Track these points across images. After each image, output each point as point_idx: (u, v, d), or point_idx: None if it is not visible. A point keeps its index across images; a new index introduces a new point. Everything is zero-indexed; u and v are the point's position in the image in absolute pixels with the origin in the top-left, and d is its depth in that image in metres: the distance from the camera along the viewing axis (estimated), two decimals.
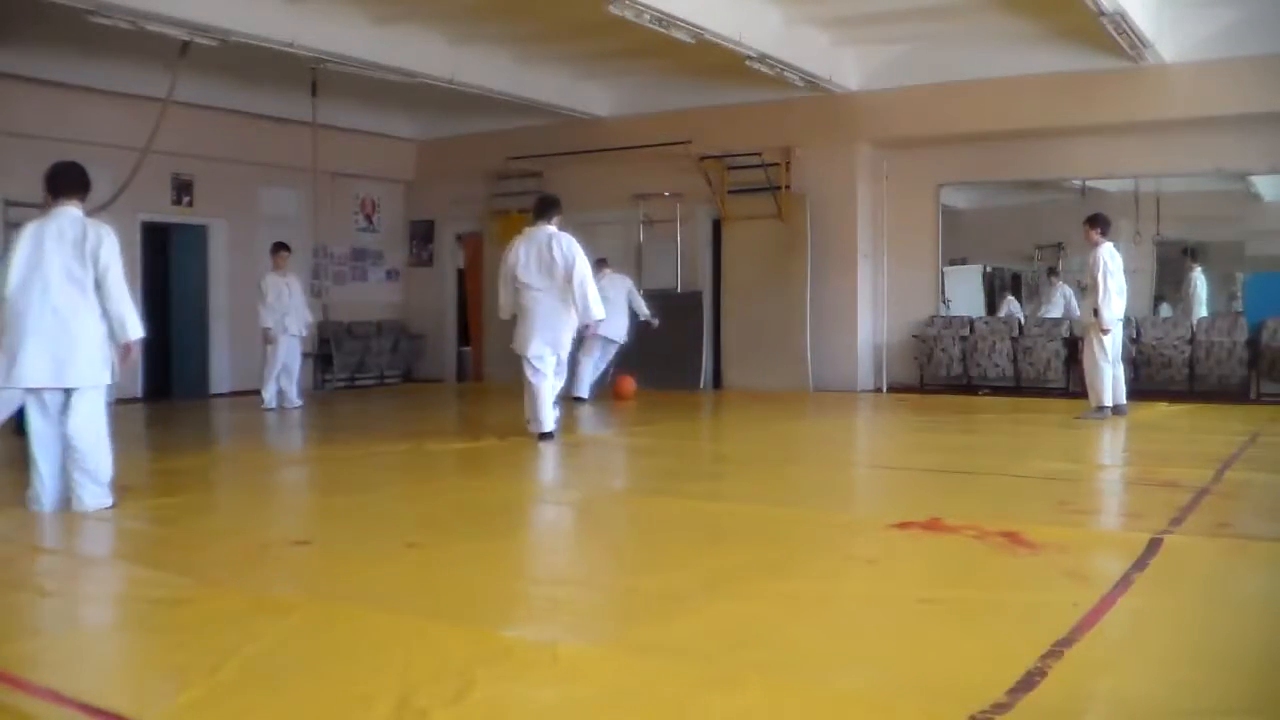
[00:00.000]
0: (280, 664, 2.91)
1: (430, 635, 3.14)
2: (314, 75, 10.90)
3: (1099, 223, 8.89)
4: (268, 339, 10.69)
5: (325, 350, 13.48)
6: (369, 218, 15.01)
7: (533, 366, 7.69)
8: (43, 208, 5.27)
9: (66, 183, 5.27)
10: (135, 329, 5.21)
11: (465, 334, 15.12)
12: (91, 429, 5.14)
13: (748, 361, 12.35)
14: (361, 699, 2.59)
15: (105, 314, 5.13)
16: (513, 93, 11.84)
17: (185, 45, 8.95)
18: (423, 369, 15.07)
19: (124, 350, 5.22)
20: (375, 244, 15.08)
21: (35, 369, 5.02)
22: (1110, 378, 8.90)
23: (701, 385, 12.75)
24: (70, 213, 5.19)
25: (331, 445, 8.54)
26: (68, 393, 5.11)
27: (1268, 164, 10.59)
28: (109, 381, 5.23)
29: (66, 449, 5.11)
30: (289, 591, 3.75)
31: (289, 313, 10.75)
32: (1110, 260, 8.76)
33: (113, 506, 5.16)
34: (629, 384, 11.50)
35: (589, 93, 12.89)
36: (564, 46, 11.14)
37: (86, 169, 5.43)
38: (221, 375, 12.90)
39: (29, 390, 5.12)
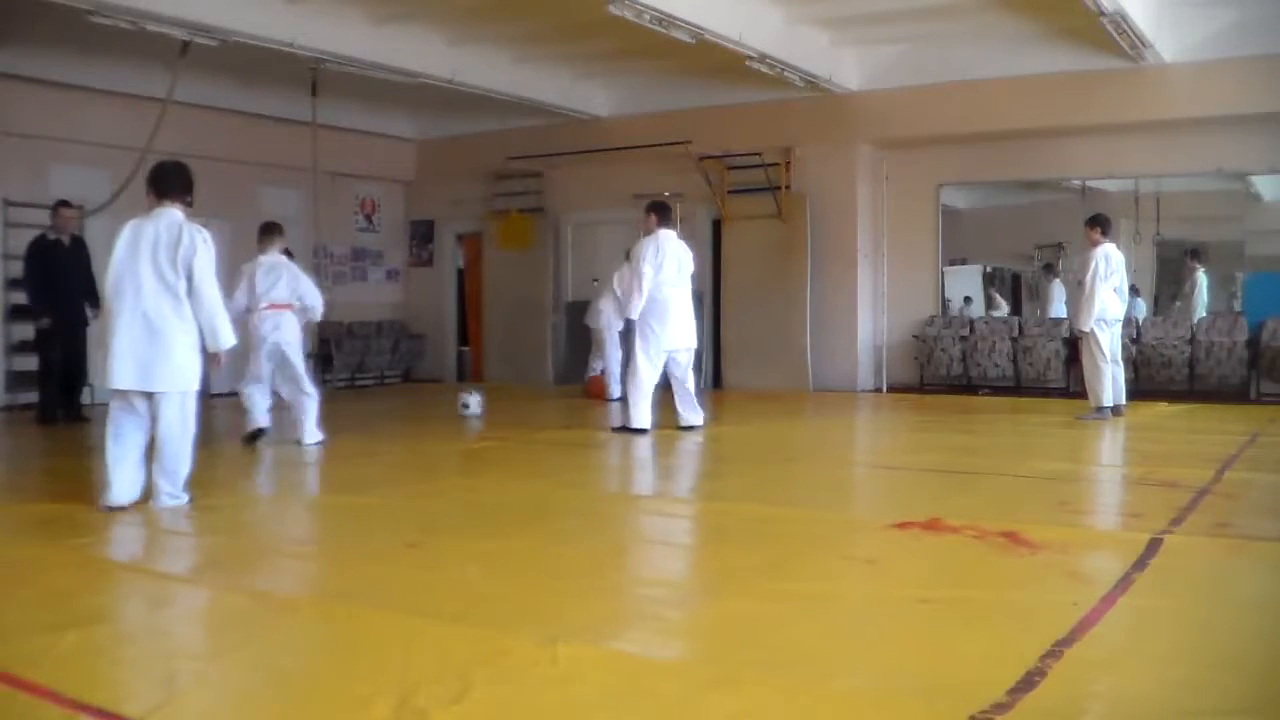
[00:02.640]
0: (280, 664, 2.91)
1: (430, 635, 3.14)
2: (314, 75, 10.90)
3: (1099, 223, 8.87)
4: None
5: (325, 350, 13.48)
6: (369, 218, 15.01)
7: (684, 361, 8.32)
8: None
9: (170, 184, 5.24)
10: (227, 338, 5.28)
11: (465, 334, 15.13)
12: (176, 432, 5.19)
13: (748, 361, 12.35)
14: (361, 699, 2.59)
15: (197, 321, 5.13)
16: (513, 93, 11.84)
17: (185, 45, 8.96)
18: (423, 369, 15.06)
19: (213, 359, 5.26)
20: (375, 244, 15.08)
21: (122, 371, 5.06)
22: (1109, 378, 8.90)
23: (701, 385, 12.75)
24: (171, 215, 5.17)
25: (331, 445, 8.53)
26: (153, 395, 5.14)
27: (1268, 164, 10.59)
28: (197, 387, 5.26)
29: (154, 448, 5.19)
30: (290, 591, 3.75)
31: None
32: (1104, 263, 8.73)
33: (189, 503, 5.27)
34: (599, 385, 11.52)
35: (589, 93, 12.89)
36: (564, 46, 11.14)
37: (190, 169, 5.38)
38: (221, 374, 12.83)
39: (116, 391, 5.16)
